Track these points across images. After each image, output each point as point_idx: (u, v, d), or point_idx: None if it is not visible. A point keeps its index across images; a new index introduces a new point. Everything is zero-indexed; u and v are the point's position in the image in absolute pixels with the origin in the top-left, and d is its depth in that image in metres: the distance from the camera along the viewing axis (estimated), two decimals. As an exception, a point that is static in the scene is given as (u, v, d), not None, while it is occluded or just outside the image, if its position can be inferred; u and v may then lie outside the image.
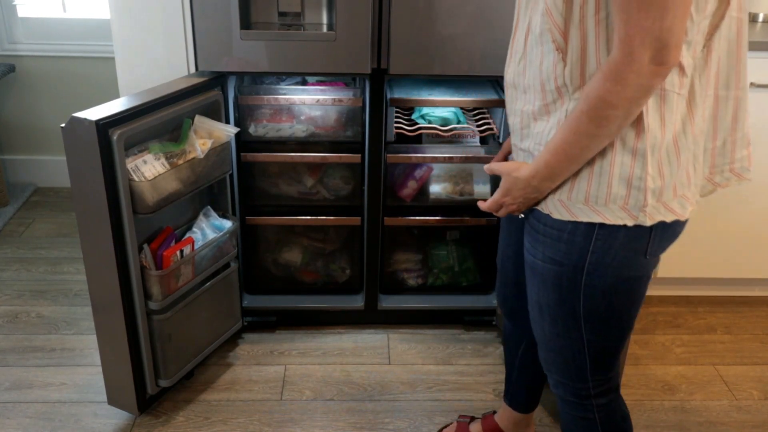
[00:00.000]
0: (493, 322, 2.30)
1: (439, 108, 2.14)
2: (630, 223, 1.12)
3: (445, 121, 2.13)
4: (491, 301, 2.33)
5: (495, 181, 2.22)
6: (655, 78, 0.99)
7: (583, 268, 1.17)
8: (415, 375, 2.13)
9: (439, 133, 2.12)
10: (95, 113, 1.56)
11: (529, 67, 1.15)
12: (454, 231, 2.35)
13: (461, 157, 2.13)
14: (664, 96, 1.07)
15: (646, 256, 1.17)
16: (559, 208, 1.16)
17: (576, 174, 1.13)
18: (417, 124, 2.13)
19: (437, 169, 2.22)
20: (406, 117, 2.17)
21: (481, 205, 1.32)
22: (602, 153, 1.10)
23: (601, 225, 1.13)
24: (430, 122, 2.13)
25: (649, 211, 1.11)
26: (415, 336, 2.30)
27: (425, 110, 2.15)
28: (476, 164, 2.21)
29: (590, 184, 1.12)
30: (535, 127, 1.17)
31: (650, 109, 1.07)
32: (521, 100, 1.19)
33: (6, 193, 3.07)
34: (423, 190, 2.23)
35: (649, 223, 1.12)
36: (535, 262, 1.24)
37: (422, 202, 2.25)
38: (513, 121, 1.24)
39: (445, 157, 2.13)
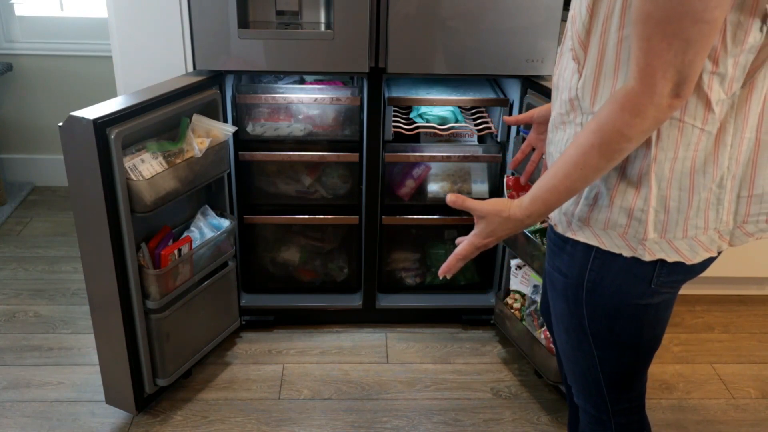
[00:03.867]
0: (491, 321, 2.31)
1: (437, 107, 2.14)
2: (627, 254, 1.08)
3: (443, 120, 2.13)
4: (489, 300, 2.33)
5: (493, 180, 2.22)
6: (670, 111, 0.94)
7: (583, 285, 1.14)
8: (413, 374, 2.13)
9: (437, 132, 2.12)
10: (93, 112, 1.56)
11: (562, 72, 1.13)
12: (453, 230, 2.35)
13: (459, 156, 2.13)
14: (681, 129, 1.01)
15: (651, 286, 1.11)
16: (563, 221, 1.14)
17: (581, 193, 1.09)
18: (415, 123, 2.13)
19: (435, 168, 2.22)
20: (404, 116, 2.17)
21: (451, 267, 1.22)
22: (606, 178, 1.06)
23: (598, 248, 1.10)
24: (428, 121, 2.13)
25: (650, 245, 1.06)
26: (413, 335, 2.30)
27: (423, 109, 2.15)
28: (474, 163, 2.21)
29: (593, 206, 1.09)
30: (556, 134, 1.15)
31: (662, 141, 1.01)
32: (556, 104, 1.16)
33: (3, 192, 3.06)
34: (421, 189, 2.23)
35: (648, 258, 1.07)
36: (549, 269, 1.23)
37: (420, 201, 2.25)
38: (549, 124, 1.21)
39: (443, 156, 2.13)
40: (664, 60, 0.91)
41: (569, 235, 1.13)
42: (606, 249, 1.09)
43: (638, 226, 1.06)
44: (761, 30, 0.96)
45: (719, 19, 0.89)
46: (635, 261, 1.08)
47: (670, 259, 1.07)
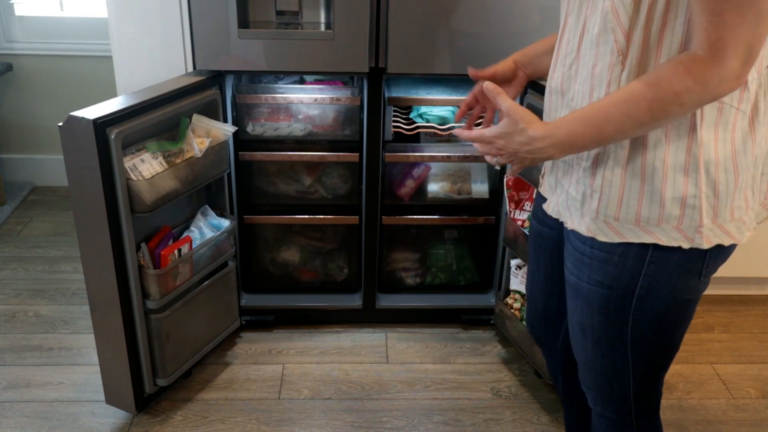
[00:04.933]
0: (491, 321, 2.31)
1: (437, 107, 2.13)
2: (686, 245, 1.06)
3: (443, 120, 2.13)
4: (489, 300, 2.33)
5: (493, 180, 2.22)
6: (734, 86, 0.95)
7: (634, 293, 1.12)
8: (413, 374, 2.13)
9: (437, 132, 2.12)
10: (93, 112, 1.56)
11: (582, 71, 1.09)
12: (452, 230, 2.35)
13: (459, 156, 2.13)
14: (721, 109, 1.01)
15: (700, 278, 1.11)
16: (605, 229, 1.10)
17: (623, 195, 1.08)
18: (415, 123, 2.13)
19: (435, 168, 2.22)
20: (404, 116, 2.17)
21: (463, 133, 1.16)
22: (653, 169, 1.05)
23: (655, 246, 1.07)
24: (428, 121, 2.13)
25: (706, 233, 1.05)
26: (413, 335, 2.30)
27: (423, 109, 2.15)
28: (474, 163, 2.21)
29: (641, 203, 1.06)
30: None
31: (705, 122, 1.01)
32: (567, 108, 1.13)
33: (3, 192, 3.06)
34: (421, 189, 2.23)
35: (706, 246, 1.06)
36: (580, 284, 1.18)
37: (420, 201, 2.25)
38: None
39: (443, 156, 2.13)
40: (736, 34, 0.90)
41: (619, 240, 1.09)
42: (665, 245, 1.07)
43: (693, 214, 1.05)
44: None
45: None
46: (689, 255, 1.08)
47: (726, 243, 1.07)
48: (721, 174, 1.03)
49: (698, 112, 1.01)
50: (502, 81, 1.42)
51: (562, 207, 1.20)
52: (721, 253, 1.10)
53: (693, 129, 1.01)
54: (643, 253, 1.09)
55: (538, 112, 1.94)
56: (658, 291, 1.11)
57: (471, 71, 1.44)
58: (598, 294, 1.15)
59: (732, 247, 1.11)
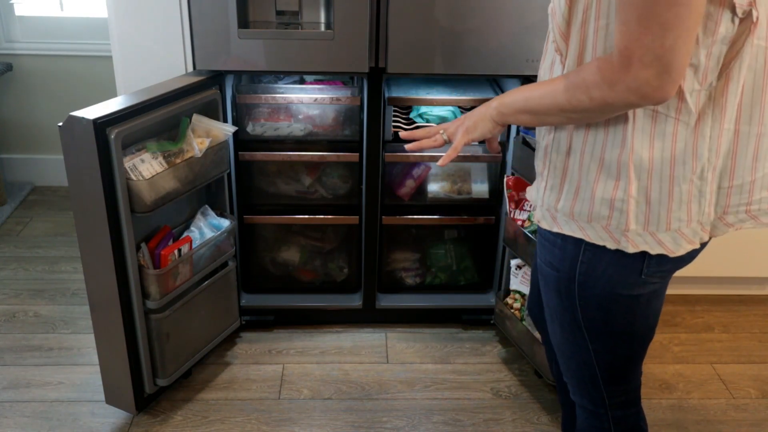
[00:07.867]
0: (491, 321, 2.31)
1: (437, 107, 2.13)
2: (611, 246, 1.08)
3: (443, 120, 2.13)
4: (489, 299, 2.33)
5: (493, 180, 2.22)
6: (657, 96, 0.94)
7: (575, 278, 1.15)
8: (413, 374, 2.13)
9: (437, 132, 2.12)
10: (93, 112, 1.56)
11: (541, 69, 1.17)
12: (452, 230, 2.35)
13: (459, 156, 2.12)
14: (655, 118, 1.01)
15: (641, 276, 1.12)
16: (547, 217, 1.16)
17: (563, 187, 1.12)
18: (415, 123, 2.13)
19: (435, 167, 2.22)
20: (404, 116, 2.17)
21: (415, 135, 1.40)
22: (587, 170, 1.08)
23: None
24: (428, 121, 2.12)
25: (632, 237, 1.07)
26: (413, 335, 2.30)
27: (423, 109, 2.15)
28: (474, 163, 2.21)
29: (575, 199, 1.10)
30: (540, 130, 1.18)
31: (637, 129, 1.02)
32: None
33: (3, 192, 3.06)
34: (421, 189, 2.23)
35: (631, 250, 1.07)
36: (540, 264, 1.24)
37: (420, 201, 2.25)
38: None
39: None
40: (641, 44, 0.91)
41: (556, 230, 1.15)
42: (591, 242, 1.10)
43: (620, 217, 1.07)
44: (732, 21, 0.96)
45: (696, 3, 0.89)
46: (623, 253, 1.09)
47: (653, 252, 1.08)
48: (655, 182, 1.04)
49: (630, 118, 1.02)
50: None
51: (533, 189, 1.25)
52: (666, 257, 1.09)
53: (624, 135, 1.03)
54: (579, 242, 1.13)
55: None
56: (596, 280, 1.14)
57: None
58: (552, 276, 1.20)
59: (694, 251, 1.10)
